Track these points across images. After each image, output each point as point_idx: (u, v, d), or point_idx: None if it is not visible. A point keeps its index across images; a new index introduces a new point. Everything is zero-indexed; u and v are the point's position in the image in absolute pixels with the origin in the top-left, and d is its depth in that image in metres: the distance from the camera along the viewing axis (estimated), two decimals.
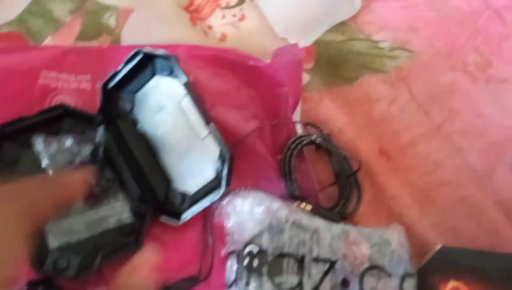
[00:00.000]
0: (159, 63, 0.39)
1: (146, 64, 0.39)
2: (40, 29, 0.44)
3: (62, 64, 0.41)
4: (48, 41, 0.44)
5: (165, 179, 0.40)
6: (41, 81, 0.40)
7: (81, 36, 0.44)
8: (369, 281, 0.36)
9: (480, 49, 0.47)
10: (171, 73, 0.38)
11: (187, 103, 0.38)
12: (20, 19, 0.44)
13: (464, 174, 0.44)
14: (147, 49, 0.37)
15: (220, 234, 0.39)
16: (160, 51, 0.37)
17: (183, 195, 0.39)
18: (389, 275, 0.37)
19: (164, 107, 0.40)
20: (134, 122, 0.41)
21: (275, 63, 0.41)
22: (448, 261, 0.39)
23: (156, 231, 0.40)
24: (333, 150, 0.42)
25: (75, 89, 0.42)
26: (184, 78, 0.37)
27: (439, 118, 0.46)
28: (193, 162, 0.39)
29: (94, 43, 0.44)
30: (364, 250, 0.37)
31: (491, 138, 0.45)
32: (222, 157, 0.37)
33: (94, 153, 0.38)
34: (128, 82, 0.40)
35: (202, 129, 0.38)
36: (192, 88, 0.37)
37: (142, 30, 0.44)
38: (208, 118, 0.37)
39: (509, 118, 0.45)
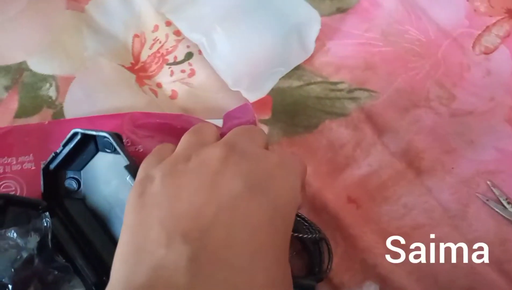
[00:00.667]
0: (100, 140, 0.37)
1: (88, 142, 0.37)
2: None
3: (1, 147, 0.39)
4: None
5: None
6: None
7: (19, 113, 0.42)
8: None
9: (442, 81, 0.46)
10: (114, 150, 0.36)
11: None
12: None
13: (437, 214, 0.42)
14: (84, 130, 0.36)
15: None
16: (98, 132, 0.35)
17: None
18: None
19: (110, 182, 0.38)
20: (82, 200, 0.39)
21: (226, 129, 0.39)
22: None
23: None
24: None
25: (18, 172, 0.39)
26: (125, 161, 0.35)
27: (406, 158, 0.44)
28: None
29: (35, 119, 0.41)
30: None
31: (461, 174, 0.43)
32: None
33: (41, 243, 0.35)
34: (71, 161, 0.38)
35: None
36: (134, 169, 0.35)
37: (86, 99, 0.42)
38: None
39: (477, 152, 0.44)
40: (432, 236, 0.42)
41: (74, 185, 0.39)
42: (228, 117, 0.40)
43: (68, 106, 0.42)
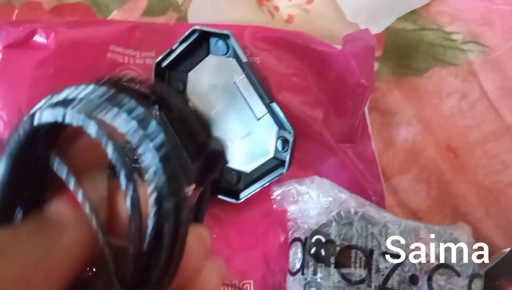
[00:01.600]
0: (214, 42, 0.38)
1: (201, 43, 0.39)
2: (107, 1, 0.43)
3: (129, 39, 0.41)
4: (114, 15, 0.43)
5: None
6: (109, 55, 0.39)
7: (147, 12, 0.43)
8: (438, 279, 0.35)
9: None
10: (226, 52, 0.37)
11: (243, 83, 0.38)
12: None
13: None
14: (204, 28, 0.37)
15: (280, 219, 0.39)
16: (218, 30, 0.36)
17: (239, 174, 0.39)
18: (458, 275, 0.35)
19: (218, 87, 0.39)
20: (186, 102, 0.40)
21: (346, 50, 0.40)
22: None
23: (216, 211, 0.40)
24: None
25: (140, 65, 0.41)
26: (244, 58, 0.36)
27: (510, 117, 0.43)
28: (249, 141, 0.39)
29: (160, 19, 0.43)
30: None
31: None
32: (282, 137, 0.37)
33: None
34: (181, 61, 0.39)
35: (259, 109, 0.38)
36: (253, 68, 0.36)
37: (209, 8, 0.43)
38: (271, 97, 0.36)
39: None
40: None
41: (180, 86, 0.40)
42: (349, 38, 0.40)
43: (192, 12, 0.43)
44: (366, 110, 0.43)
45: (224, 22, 0.43)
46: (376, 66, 0.44)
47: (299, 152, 0.41)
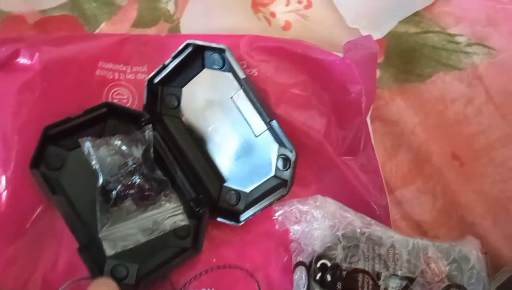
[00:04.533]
0: (209, 55, 0.36)
1: (195, 57, 0.37)
2: (95, 12, 0.41)
3: (118, 54, 0.39)
4: (103, 27, 0.41)
5: (218, 178, 0.38)
6: (98, 72, 0.37)
7: (137, 23, 0.41)
8: None
9: None
10: (222, 66, 0.36)
11: (240, 99, 0.36)
12: (74, 2, 0.41)
13: None
14: (199, 42, 0.35)
15: (282, 240, 0.37)
16: (213, 44, 0.35)
17: (239, 193, 0.37)
18: None
19: (214, 102, 0.38)
20: (181, 119, 0.39)
21: (348, 58, 0.38)
22: None
23: (216, 234, 0.38)
24: None
25: (132, 81, 0.39)
26: (242, 74, 0.34)
27: None
28: (248, 159, 0.37)
29: (151, 31, 0.41)
30: (442, 268, 0.35)
31: None
32: (283, 155, 0.35)
33: (144, 154, 0.36)
34: (175, 76, 0.38)
35: (258, 126, 0.36)
36: (250, 83, 0.35)
37: (202, 17, 0.41)
38: (271, 115, 0.35)
39: None
40: None
41: (174, 102, 0.38)
42: (351, 45, 0.39)
43: (185, 21, 0.41)
44: (368, 119, 0.41)
45: (218, 31, 0.41)
46: (377, 73, 0.43)
47: (300, 167, 0.40)
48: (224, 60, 0.36)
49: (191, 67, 0.37)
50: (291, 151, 0.35)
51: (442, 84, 0.43)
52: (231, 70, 0.36)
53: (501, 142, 0.42)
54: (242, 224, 0.37)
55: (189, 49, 0.36)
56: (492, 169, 0.41)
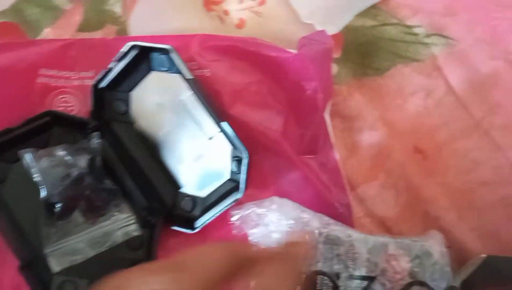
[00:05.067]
0: (155, 57, 0.35)
1: (142, 59, 0.35)
2: (38, 18, 0.39)
3: (63, 60, 0.37)
4: (46, 32, 0.39)
5: (173, 184, 0.37)
6: (39, 80, 0.36)
7: (83, 27, 0.39)
8: None
9: None
10: (169, 68, 0.34)
11: (191, 101, 0.35)
12: (15, 8, 0.39)
13: (506, 173, 0.40)
14: (142, 43, 0.34)
15: None
16: (157, 45, 0.33)
17: (194, 199, 0.36)
18: None
19: (164, 106, 0.36)
20: (131, 125, 0.37)
21: (301, 54, 0.37)
22: (494, 272, 0.35)
23: (171, 243, 0.37)
24: None
25: (78, 87, 0.37)
26: (188, 75, 0.33)
27: (479, 112, 0.41)
28: (202, 163, 0.36)
29: (98, 34, 0.39)
30: (404, 264, 0.34)
31: None
32: (237, 158, 0.34)
33: (91, 163, 0.34)
34: (122, 80, 0.36)
35: (210, 128, 0.35)
36: (198, 84, 0.33)
37: (151, 18, 0.40)
38: (220, 116, 0.34)
39: None
40: (499, 194, 0.40)
41: (122, 107, 0.37)
42: (305, 41, 0.37)
43: (133, 23, 0.40)
44: (327, 116, 0.40)
45: (169, 32, 0.39)
46: (335, 68, 0.42)
47: (259, 169, 0.39)
48: (171, 61, 0.35)
49: (138, 70, 0.36)
50: (244, 153, 0.34)
51: (401, 76, 0.42)
52: (179, 71, 0.35)
53: (463, 133, 0.41)
54: (200, 231, 0.36)
55: (133, 52, 0.35)
56: (455, 161, 0.41)
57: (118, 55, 0.34)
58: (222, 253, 0.21)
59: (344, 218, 0.38)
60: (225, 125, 0.33)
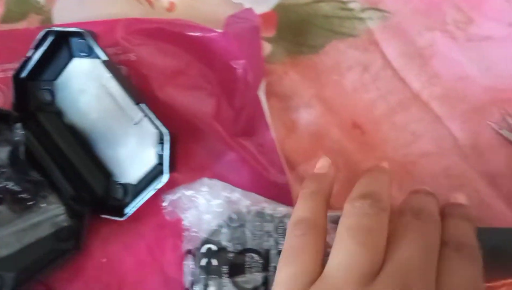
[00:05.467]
0: (75, 43, 0.34)
1: (61, 46, 0.35)
2: None
3: None
4: None
5: (103, 172, 0.36)
6: None
7: (5, 18, 0.39)
8: None
9: (459, 5, 0.42)
10: (90, 53, 0.34)
11: (113, 85, 0.34)
12: None
13: (446, 143, 0.40)
14: (56, 28, 0.33)
15: (176, 230, 0.36)
16: (72, 29, 0.33)
17: (125, 187, 0.36)
18: None
19: (88, 93, 0.35)
20: (57, 114, 0.36)
21: (227, 33, 0.36)
22: None
23: (104, 232, 0.36)
24: None
25: (2, 80, 0.37)
26: (103, 56, 0.32)
27: (417, 84, 0.41)
28: (131, 149, 0.35)
29: (21, 25, 0.38)
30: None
31: (474, 102, 0.41)
32: (162, 140, 0.33)
33: (13, 155, 0.33)
34: (44, 69, 0.35)
35: (134, 113, 0.34)
36: (114, 68, 0.33)
37: (76, 6, 0.39)
38: (138, 98, 0.33)
39: (493, 79, 0.41)
40: (440, 165, 0.40)
41: (47, 97, 0.36)
42: (232, 20, 0.37)
43: (58, 12, 0.39)
44: (263, 96, 0.40)
45: (95, 19, 0.39)
46: (269, 48, 0.41)
47: (194, 152, 0.38)
48: (91, 46, 0.34)
49: (59, 58, 0.35)
50: (165, 134, 0.33)
51: (336, 53, 0.41)
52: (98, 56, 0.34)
53: (401, 105, 0.41)
54: (134, 218, 0.35)
55: (50, 38, 0.34)
56: (394, 134, 0.40)
57: (34, 42, 0.34)
58: None
59: (283, 197, 0.38)
60: (143, 106, 0.33)
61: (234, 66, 0.37)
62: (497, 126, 0.40)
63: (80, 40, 0.34)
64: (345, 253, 0.25)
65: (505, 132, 0.39)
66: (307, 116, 0.40)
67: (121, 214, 0.34)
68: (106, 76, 0.34)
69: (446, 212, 0.31)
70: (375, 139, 0.40)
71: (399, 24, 0.42)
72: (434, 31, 0.42)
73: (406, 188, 0.39)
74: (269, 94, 0.40)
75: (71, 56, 0.35)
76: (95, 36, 0.33)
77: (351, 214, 0.27)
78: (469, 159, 0.40)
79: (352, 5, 0.43)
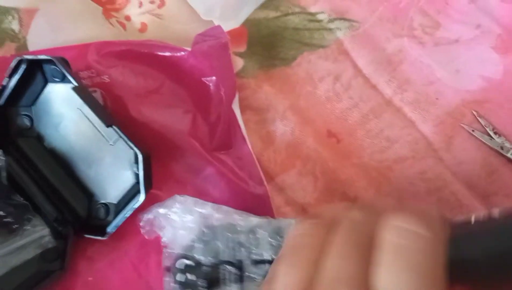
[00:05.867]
0: (48, 69, 0.35)
1: (35, 73, 0.35)
2: None
3: None
4: None
5: (85, 193, 0.37)
6: None
7: None
8: None
9: (425, 9, 0.43)
10: (63, 79, 0.34)
11: (86, 109, 0.35)
12: None
13: (421, 147, 0.41)
14: (27, 56, 0.34)
15: (157, 247, 0.36)
16: (44, 56, 0.34)
17: (107, 206, 0.36)
18: None
19: (65, 116, 0.36)
20: (37, 138, 0.37)
21: (195, 51, 0.37)
22: None
23: (89, 251, 0.37)
24: None
25: None
26: (73, 82, 0.33)
27: (389, 90, 0.42)
28: (110, 169, 0.36)
29: None
30: None
31: (446, 105, 0.41)
32: (136, 160, 0.34)
33: None
34: (20, 95, 0.36)
35: (110, 134, 0.35)
36: (85, 92, 0.34)
37: (50, 32, 0.40)
38: (108, 121, 0.34)
39: (463, 81, 0.42)
40: (416, 169, 0.40)
41: (26, 122, 0.37)
42: (200, 38, 0.38)
43: (32, 39, 0.40)
44: (238, 110, 0.40)
45: (69, 44, 0.39)
46: (241, 62, 0.42)
47: (172, 170, 0.39)
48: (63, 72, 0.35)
49: (34, 84, 0.36)
50: (138, 154, 0.33)
51: (308, 64, 0.42)
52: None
53: (374, 112, 0.41)
54: (116, 237, 0.36)
55: (23, 66, 0.35)
56: (369, 140, 0.41)
57: (8, 71, 0.34)
58: None
59: (263, 208, 0.38)
60: (116, 128, 0.33)
61: (207, 82, 0.38)
62: (470, 128, 0.40)
63: (53, 67, 0.35)
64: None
65: (478, 134, 0.40)
66: (283, 127, 0.41)
67: (104, 233, 0.35)
68: (79, 101, 0.35)
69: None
70: (351, 147, 0.41)
71: (367, 32, 0.43)
72: (402, 37, 0.43)
73: (383, 193, 0.40)
74: (244, 107, 0.41)
75: (46, 81, 0.36)
76: (66, 62, 0.34)
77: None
78: (444, 162, 0.40)
79: (320, 17, 0.43)
